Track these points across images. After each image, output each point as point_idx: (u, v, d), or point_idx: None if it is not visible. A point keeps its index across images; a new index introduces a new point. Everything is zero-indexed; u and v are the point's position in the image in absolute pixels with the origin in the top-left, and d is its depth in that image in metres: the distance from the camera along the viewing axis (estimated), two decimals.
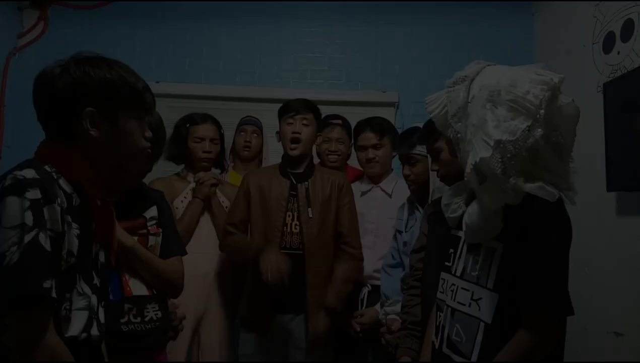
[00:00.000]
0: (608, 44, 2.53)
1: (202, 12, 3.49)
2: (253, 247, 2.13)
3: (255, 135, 2.71)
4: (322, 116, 2.44)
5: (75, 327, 1.07)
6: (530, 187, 1.21)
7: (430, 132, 1.74)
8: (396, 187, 2.38)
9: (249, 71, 3.48)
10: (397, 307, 2.01)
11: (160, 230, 1.70)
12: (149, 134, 1.21)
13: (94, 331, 1.12)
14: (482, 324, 1.29)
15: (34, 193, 0.99)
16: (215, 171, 2.62)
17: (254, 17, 3.50)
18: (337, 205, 2.24)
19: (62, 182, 1.08)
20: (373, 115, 2.60)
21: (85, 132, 1.10)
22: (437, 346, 1.41)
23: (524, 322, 1.23)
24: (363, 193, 2.45)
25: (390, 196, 2.38)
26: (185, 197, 2.41)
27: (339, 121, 2.65)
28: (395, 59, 3.48)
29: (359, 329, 2.20)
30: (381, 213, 2.36)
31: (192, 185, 2.43)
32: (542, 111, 1.19)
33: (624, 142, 2.26)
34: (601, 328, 2.39)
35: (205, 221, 2.41)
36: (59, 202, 1.02)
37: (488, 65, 1.33)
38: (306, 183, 2.24)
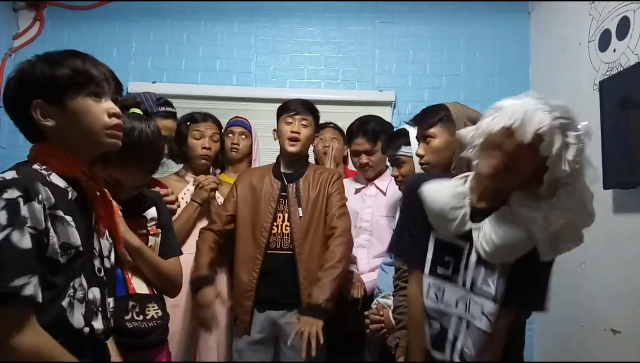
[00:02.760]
0: (604, 42, 2.54)
1: (198, 12, 3.49)
2: (195, 279, 2.14)
3: (243, 136, 2.65)
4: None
5: (74, 319, 1.07)
6: None
7: (427, 116, 1.76)
8: (390, 184, 2.38)
9: (246, 71, 3.48)
10: (390, 300, 2.02)
11: (159, 230, 1.72)
12: (114, 110, 1.17)
13: (98, 324, 1.13)
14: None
15: (11, 193, 0.99)
16: (215, 171, 2.62)
17: (250, 17, 3.50)
18: (326, 195, 2.23)
19: (53, 177, 1.09)
20: (369, 114, 2.60)
21: (42, 125, 1.11)
22: (447, 358, 1.40)
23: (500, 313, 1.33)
24: (357, 191, 2.45)
25: (384, 193, 2.39)
26: (182, 198, 2.40)
27: (331, 124, 2.78)
28: (391, 58, 3.49)
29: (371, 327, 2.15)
30: (375, 211, 2.36)
31: (191, 185, 2.42)
32: None
33: (620, 139, 2.27)
34: (598, 326, 2.40)
35: (203, 222, 2.40)
36: (40, 199, 1.02)
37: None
38: (296, 182, 2.24)
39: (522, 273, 1.31)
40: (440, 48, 3.48)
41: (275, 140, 2.36)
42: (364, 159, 2.38)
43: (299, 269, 2.14)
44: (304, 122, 2.27)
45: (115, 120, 1.17)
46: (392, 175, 2.18)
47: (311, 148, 2.52)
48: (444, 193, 1.39)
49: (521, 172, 1.26)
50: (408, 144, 2.02)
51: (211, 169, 2.56)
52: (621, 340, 2.27)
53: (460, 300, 1.37)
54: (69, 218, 1.07)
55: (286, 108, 2.30)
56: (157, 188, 2.04)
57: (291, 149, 2.25)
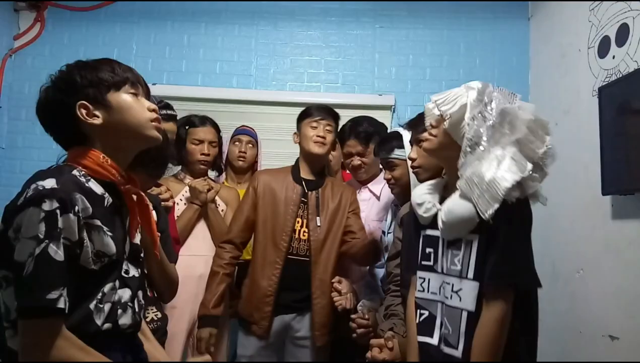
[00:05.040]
0: (603, 49, 2.55)
1: (199, 14, 3.49)
2: (203, 316, 2.16)
3: (250, 145, 2.68)
4: None
5: (100, 320, 1.10)
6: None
7: (421, 121, 1.77)
8: (384, 188, 2.37)
9: (246, 74, 3.48)
10: (375, 303, 2.04)
11: (159, 234, 1.72)
12: (152, 106, 1.23)
13: (126, 320, 1.15)
14: (464, 313, 1.38)
15: (50, 204, 1.02)
16: (213, 174, 2.62)
17: (250, 20, 3.51)
18: (346, 215, 2.26)
19: (92, 184, 1.12)
20: (362, 115, 2.57)
21: (89, 125, 1.14)
22: (435, 342, 1.46)
23: (484, 301, 1.34)
24: None
25: (378, 198, 2.37)
26: (180, 199, 2.40)
27: None
28: (391, 62, 3.49)
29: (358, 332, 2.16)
30: (369, 216, 2.35)
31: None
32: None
33: (618, 146, 2.27)
34: (596, 332, 2.39)
35: (202, 223, 2.41)
36: (77, 210, 1.05)
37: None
38: (317, 191, 2.25)
39: (488, 248, 1.36)
40: (440, 53, 3.48)
41: (295, 143, 2.36)
42: (356, 160, 2.37)
43: (313, 277, 2.16)
44: (328, 128, 2.28)
45: (155, 115, 1.22)
46: (384, 178, 2.16)
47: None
48: (425, 186, 1.60)
49: (441, 143, 1.46)
50: (401, 146, 2.02)
51: (208, 171, 2.56)
52: (619, 346, 2.26)
53: (441, 286, 1.46)
54: (106, 227, 1.10)
55: (310, 114, 2.30)
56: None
57: (318, 149, 2.25)
